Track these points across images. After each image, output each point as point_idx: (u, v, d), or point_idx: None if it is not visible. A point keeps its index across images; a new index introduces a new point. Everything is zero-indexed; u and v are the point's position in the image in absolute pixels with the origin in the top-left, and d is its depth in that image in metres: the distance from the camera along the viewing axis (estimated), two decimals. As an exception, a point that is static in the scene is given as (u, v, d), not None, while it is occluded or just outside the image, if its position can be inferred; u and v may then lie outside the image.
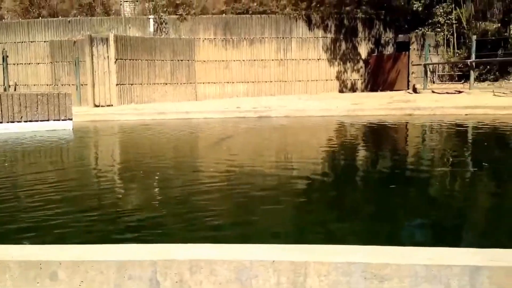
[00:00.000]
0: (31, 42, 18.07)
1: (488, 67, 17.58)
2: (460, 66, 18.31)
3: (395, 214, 3.81)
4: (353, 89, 19.59)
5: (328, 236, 3.24)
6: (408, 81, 18.40)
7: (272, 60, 18.87)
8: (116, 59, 16.02)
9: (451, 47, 18.85)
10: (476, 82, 16.15)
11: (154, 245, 2.43)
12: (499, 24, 18.29)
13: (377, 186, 4.93)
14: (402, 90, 17.99)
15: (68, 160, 7.39)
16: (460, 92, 15.14)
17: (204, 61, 18.34)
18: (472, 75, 15.71)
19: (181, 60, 17.80)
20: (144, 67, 17.02)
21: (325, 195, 4.57)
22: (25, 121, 10.26)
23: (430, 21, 18.76)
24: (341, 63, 19.47)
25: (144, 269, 2.19)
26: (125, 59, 16.41)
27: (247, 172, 5.57)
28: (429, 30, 18.76)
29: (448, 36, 18.79)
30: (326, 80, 19.38)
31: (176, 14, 18.16)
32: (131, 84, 16.67)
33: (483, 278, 2.09)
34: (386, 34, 19.67)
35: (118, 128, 11.53)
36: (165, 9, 18.15)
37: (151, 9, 18.24)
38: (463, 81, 17.19)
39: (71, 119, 10.76)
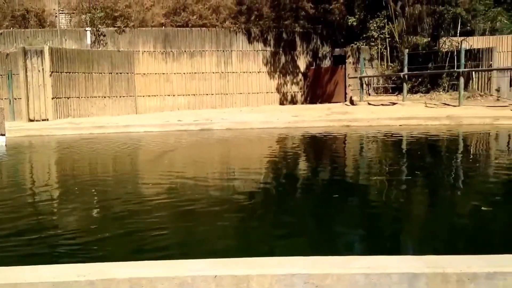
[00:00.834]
0: (-41, 54, 17.05)
1: (420, 79, 18.48)
2: (393, 78, 19.13)
3: (333, 224, 3.90)
4: (293, 101, 19.97)
5: (271, 249, 3.26)
6: (346, 94, 19.02)
7: (213, 73, 18.90)
8: (52, 72, 15.44)
9: (385, 60, 19.67)
10: (409, 94, 16.92)
11: (93, 264, 2.35)
12: (429, 38, 19.32)
13: (319, 195, 5.03)
14: (340, 102, 18.57)
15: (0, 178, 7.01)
16: (394, 104, 15.81)
17: (144, 74, 18.07)
18: (405, 87, 16.46)
19: (120, 73, 17.43)
20: (82, 80, 16.51)
21: (269, 207, 4.60)
22: (-46, 138, 9.67)
23: (365, 35, 19.51)
24: (281, 75, 19.83)
25: (81, 291, 2.10)
26: (61, 72, 15.84)
27: (190, 187, 5.51)
28: (364, 44, 19.49)
29: (382, 50, 19.61)
30: (267, 92, 19.65)
31: (114, 27, 17.80)
32: (68, 98, 16.10)
33: (421, 284, 2.17)
34: (323, 48, 20.26)
35: (55, 143, 11.08)
36: (102, 21, 17.74)
37: (88, 21, 17.77)
38: (397, 93, 17.97)
39: (4, 135, 10.27)
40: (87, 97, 16.63)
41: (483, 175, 6.11)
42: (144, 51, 18.08)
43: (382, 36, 19.38)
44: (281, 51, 19.75)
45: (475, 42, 19.45)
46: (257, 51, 19.42)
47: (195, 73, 18.67)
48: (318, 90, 19.89)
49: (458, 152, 8.25)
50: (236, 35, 19.09)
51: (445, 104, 15.20)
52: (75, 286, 2.10)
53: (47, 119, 15.29)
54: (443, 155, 8.06)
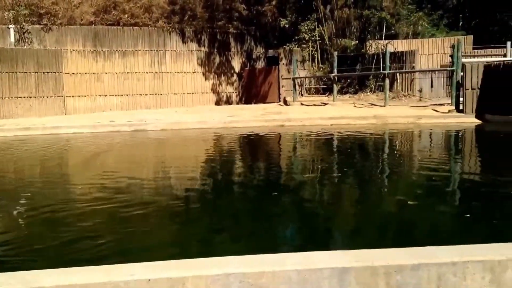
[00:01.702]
0: None
1: (349, 80, 19.15)
2: (324, 80, 19.69)
3: (263, 220, 3.98)
4: (228, 101, 20.03)
5: (207, 248, 3.28)
6: (279, 94, 19.34)
7: (147, 73, 18.54)
8: (-30, 71, 14.49)
9: (316, 62, 20.22)
10: (339, 95, 17.50)
11: (16, 273, 2.23)
12: (357, 41, 20.09)
13: (256, 193, 5.10)
14: (274, 102, 18.85)
15: None
16: (325, 104, 16.30)
17: (73, 73, 17.39)
18: (335, 88, 17.00)
19: (47, 72, 16.65)
20: (5, 80, 15.61)
21: (204, 207, 4.61)
22: None
23: (297, 37, 19.94)
24: (216, 76, 19.83)
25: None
26: (-20, 71, 14.91)
27: (123, 189, 5.39)
28: (296, 46, 19.91)
29: (313, 51, 20.14)
30: (202, 93, 19.56)
31: (40, 24, 16.98)
32: (-11, 98, 15.18)
33: (351, 278, 2.26)
34: (257, 49, 20.48)
35: (-26, 147, 10.41)
36: (27, 18, 16.85)
37: (12, 19, 16.82)
38: (327, 94, 18.53)
39: None
40: (11, 98, 15.76)
41: (409, 171, 6.47)
42: (73, 50, 17.40)
43: (313, 38, 19.88)
44: (215, 52, 19.74)
45: (399, 45, 20.46)
46: (191, 51, 19.28)
47: (128, 73, 18.23)
48: (253, 91, 20.08)
49: (385, 149, 8.68)
50: (170, 35, 18.85)
51: (372, 104, 15.88)
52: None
53: (-34, 121, 14.34)
54: (371, 152, 8.43)
